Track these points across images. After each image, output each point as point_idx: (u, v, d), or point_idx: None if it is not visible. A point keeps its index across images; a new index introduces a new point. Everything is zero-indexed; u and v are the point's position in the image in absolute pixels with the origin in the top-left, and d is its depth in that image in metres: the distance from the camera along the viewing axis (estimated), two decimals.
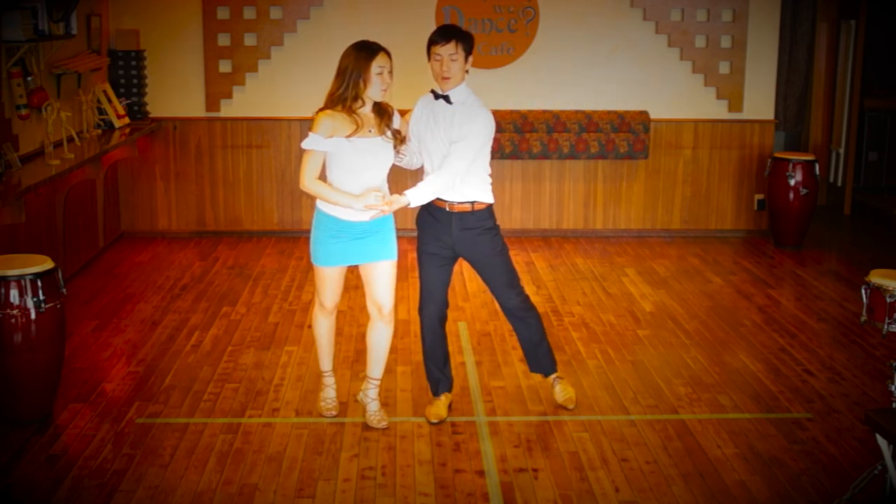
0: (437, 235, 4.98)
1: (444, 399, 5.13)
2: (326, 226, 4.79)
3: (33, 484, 4.37)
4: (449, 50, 4.85)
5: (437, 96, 4.94)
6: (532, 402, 5.31)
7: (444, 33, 4.89)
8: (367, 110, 4.73)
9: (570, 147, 8.93)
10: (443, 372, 5.14)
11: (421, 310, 5.11)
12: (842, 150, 10.45)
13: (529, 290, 7.38)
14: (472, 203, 4.91)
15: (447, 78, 4.87)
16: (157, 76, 8.88)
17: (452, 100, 4.89)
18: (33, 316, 4.84)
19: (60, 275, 5.03)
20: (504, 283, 5.05)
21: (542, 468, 4.56)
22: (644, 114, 8.97)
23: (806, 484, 4.43)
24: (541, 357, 5.20)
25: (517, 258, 8.34)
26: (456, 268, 8.00)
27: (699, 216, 9.31)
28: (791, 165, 8.71)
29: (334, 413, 5.09)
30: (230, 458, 4.64)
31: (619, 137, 8.97)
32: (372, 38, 9.16)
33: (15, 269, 4.83)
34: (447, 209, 4.91)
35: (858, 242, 9.28)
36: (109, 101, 8.27)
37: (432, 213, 4.97)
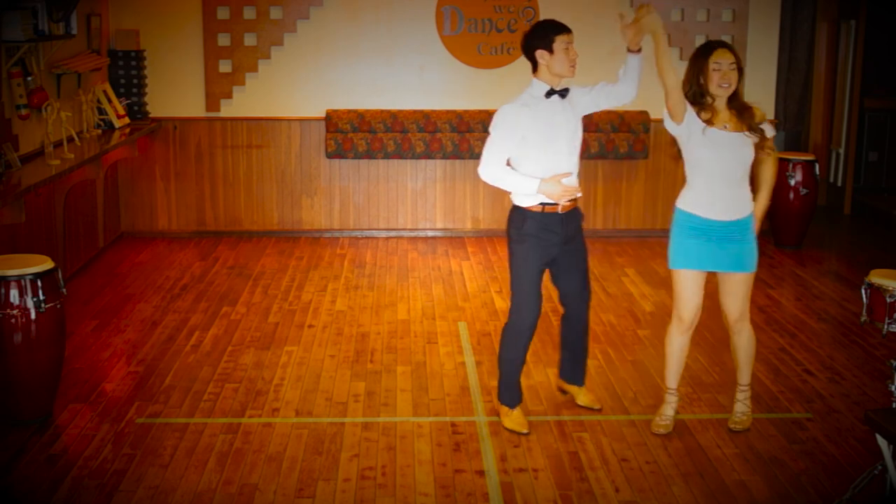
0: (550, 241, 4.86)
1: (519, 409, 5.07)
2: (681, 223, 4.75)
3: (33, 484, 4.37)
4: (571, 39, 4.80)
5: (549, 94, 4.78)
6: (532, 402, 5.31)
7: (562, 24, 4.82)
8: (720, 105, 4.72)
9: None
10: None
11: (527, 317, 4.94)
12: (842, 150, 10.45)
13: None
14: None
15: (574, 66, 4.80)
16: (157, 76, 8.88)
17: (570, 91, 4.86)
18: (33, 316, 4.84)
19: (60, 275, 5.03)
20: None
21: (542, 468, 4.56)
22: (644, 114, 8.97)
23: (806, 484, 4.43)
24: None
25: None
26: (455, 268, 8.05)
27: None
28: (791, 165, 8.71)
29: (662, 432, 4.93)
30: (230, 458, 4.64)
31: (619, 137, 8.97)
32: (371, 39, 9.31)
33: (15, 269, 4.82)
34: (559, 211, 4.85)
35: (858, 242, 9.28)
36: (109, 101, 8.27)
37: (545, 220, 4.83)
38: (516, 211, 4.86)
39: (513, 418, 4.97)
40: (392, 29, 8.93)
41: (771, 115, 9.25)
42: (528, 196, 4.79)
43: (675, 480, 4.45)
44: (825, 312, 6.97)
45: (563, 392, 5.34)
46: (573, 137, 4.88)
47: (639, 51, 4.94)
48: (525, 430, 4.93)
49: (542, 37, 4.76)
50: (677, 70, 4.74)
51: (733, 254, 4.74)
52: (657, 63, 4.78)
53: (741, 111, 4.69)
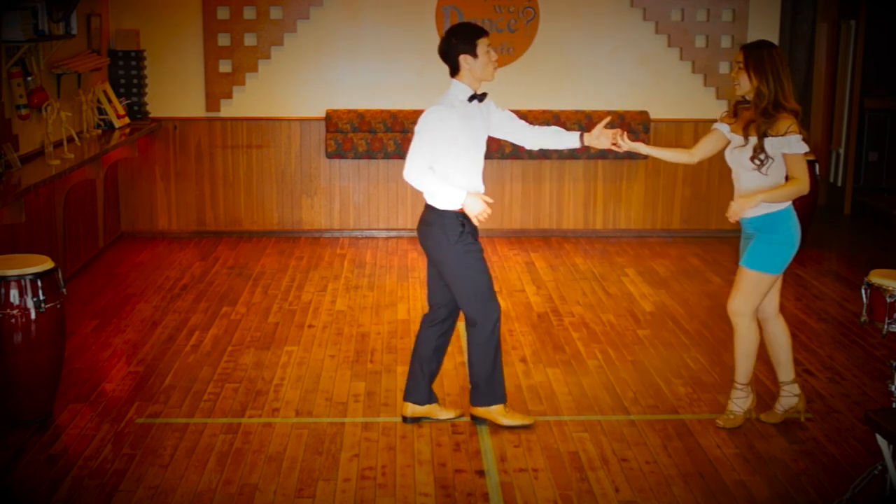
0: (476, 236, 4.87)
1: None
2: None
3: (33, 484, 4.37)
4: (490, 42, 4.82)
5: (472, 98, 4.77)
6: (532, 402, 5.31)
7: (483, 28, 4.84)
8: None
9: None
10: None
11: (496, 308, 4.90)
12: (842, 150, 10.45)
13: (529, 290, 7.38)
14: None
15: (496, 69, 4.83)
16: (157, 76, 8.88)
17: (486, 97, 4.87)
18: (33, 316, 4.84)
19: (60, 275, 5.03)
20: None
21: (542, 468, 4.56)
22: (644, 114, 8.97)
23: (806, 484, 4.43)
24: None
25: (517, 258, 8.35)
26: None
27: (699, 216, 9.31)
28: None
29: (720, 425, 4.96)
30: (230, 458, 4.63)
31: None
32: (371, 39, 9.30)
33: (15, 269, 4.82)
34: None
35: (858, 242, 9.28)
36: (109, 101, 8.27)
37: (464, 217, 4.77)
38: (449, 215, 4.73)
39: (514, 415, 4.99)
40: (392, 29, 8.93)
41: None
42: (446, 201, 4.72)
43: (675, 480, 4.45)
44: (825, 312, 6.97)
45: (415, 420, 5.00)
46: (483, 147, 4.90)
47: (582, 146, 5.05)
48: (532, 421, 4.98)
49: (465, 41, 4.72)
50: (671, 149, 5.10)
51: (745, 249, 4.86)
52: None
53: (757, 116, 4.66)
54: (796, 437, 4.90)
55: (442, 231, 4.76)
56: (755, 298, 4.84)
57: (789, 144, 4.60)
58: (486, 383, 4.92)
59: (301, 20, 8.85)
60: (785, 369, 4.99)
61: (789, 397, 5.01)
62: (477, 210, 4.66)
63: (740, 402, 5.00)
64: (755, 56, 4.69)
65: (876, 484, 4.09)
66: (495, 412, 4.96)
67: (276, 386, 5.52)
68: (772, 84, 4.63)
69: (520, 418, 4.98)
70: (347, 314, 6.81)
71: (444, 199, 4.70)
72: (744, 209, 4.59)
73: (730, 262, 8.35)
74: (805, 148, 4.63)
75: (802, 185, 4.61)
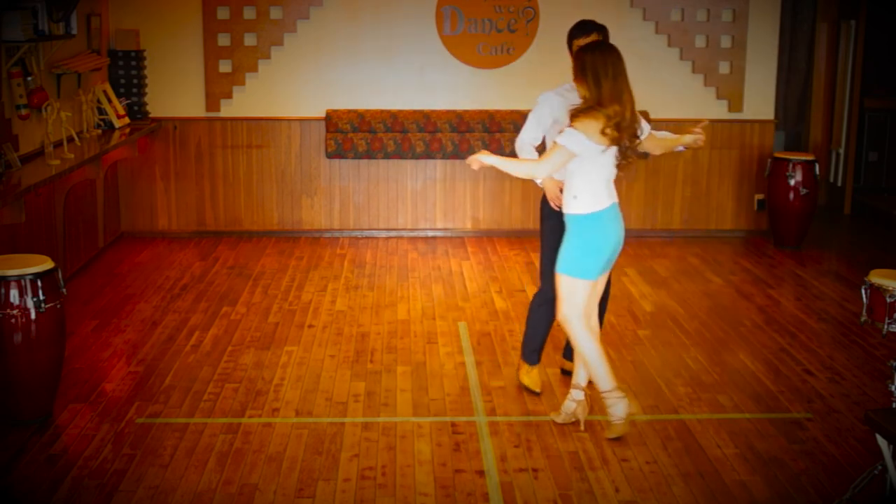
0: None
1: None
2: None
3: (33, 484, 4.37)
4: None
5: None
6: (532, 402, 5.31)
7: (587, 27, 5.17)
8: None
9: None
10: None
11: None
12: (842, 150, 10.45)
13: (530, 290, 7.38)
14: None
15: None
16: (157, 76, 8.88)
17: None
18: (33, 316, 4.84)
19: (60, 275, 5.03)
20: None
21: (542, 468, 4.56)
22: (644, 114, 8.93)
23: (806, 484, 4.43)
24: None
25: (517, 258, 8.34)
26: (455, 268, 8.05)
27: (699, 216, 9.31)
28: (791, 165, 8.71)
29: (613, 434, 4.85)
30: (230, 458, 4.64)
31: None
32: (371, 39, 9.31)
33: (15, 269, 4.82)
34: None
35: (858, 242, 9.28)
36: (109, 101, 8.27)
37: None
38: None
39: (532, 378, 5.43)
40: (392, 29, 8.93)
41: (771, 115, 9.25)
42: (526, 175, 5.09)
43: (675, 480, 4.45)
44: (825, 312, 6.97)
45: (568, 373, 5.55)
46: None
47: None
48: (539, 392, 5.36)
49: (568, 38, 5.22)
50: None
51: None
52: None
53: (572, 115, 4.65)
54: (796, 437, 4.91)
55: (542, 202, 5.28)
56: (575, 302, 4.71)
57: (559, 134, 4.59)
58: (527, 341, 5.44)
59: (301, 20, 8.85)
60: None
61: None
62: (552, 194, 5.09)
63: (616, 407, 4.78)
64: (579, 59, 4.68)
65: (876, 484, 4.09)
66: (521, 369, 5.49)
67: (276, 386, 5.52)
68: (592, 87, 4.57)
69: (529, 383, 5.41)
70: (347, 314, 6.81)
71: (520, 173, 5.01)
72: (478, 161, 4.68)
73: (730, 262, 8.37)
74: (564, 139, 4.50)
75: (535, 166, 4.75)
